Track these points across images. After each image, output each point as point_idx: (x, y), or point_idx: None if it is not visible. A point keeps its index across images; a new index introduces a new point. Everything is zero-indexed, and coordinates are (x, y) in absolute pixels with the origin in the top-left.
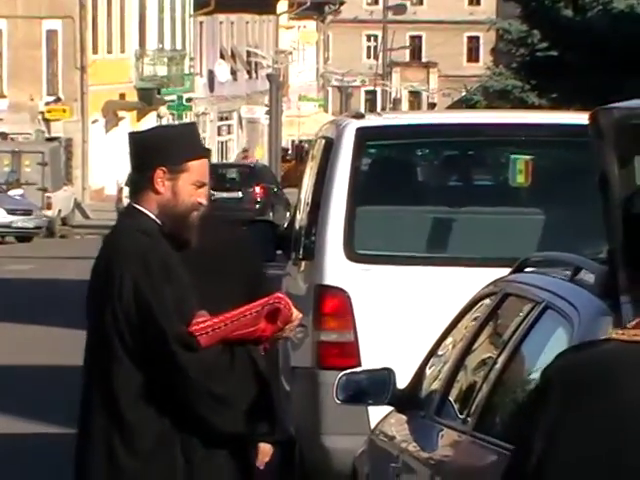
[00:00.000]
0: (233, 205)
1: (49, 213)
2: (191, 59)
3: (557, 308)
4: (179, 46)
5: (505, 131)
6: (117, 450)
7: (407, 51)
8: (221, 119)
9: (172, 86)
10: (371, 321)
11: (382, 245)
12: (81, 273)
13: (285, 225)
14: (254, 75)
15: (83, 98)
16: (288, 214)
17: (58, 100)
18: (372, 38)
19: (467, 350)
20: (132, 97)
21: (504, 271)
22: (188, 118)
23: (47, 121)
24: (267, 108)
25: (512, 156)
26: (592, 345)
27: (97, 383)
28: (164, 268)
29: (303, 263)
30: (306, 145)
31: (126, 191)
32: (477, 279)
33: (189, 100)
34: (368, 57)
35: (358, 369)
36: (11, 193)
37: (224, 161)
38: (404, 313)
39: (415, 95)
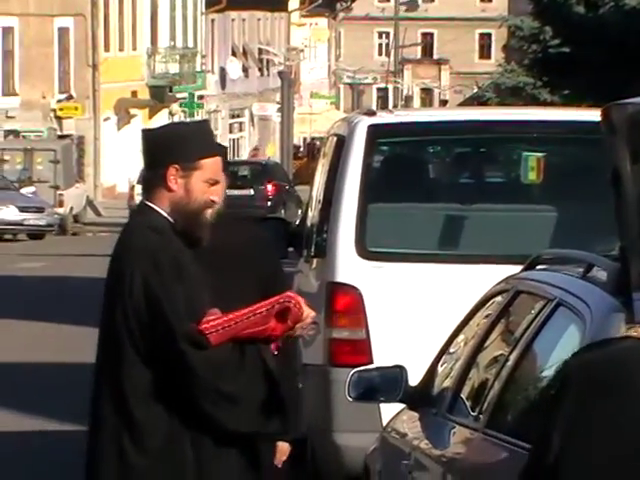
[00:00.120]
0: (245, 202)
1: (61, 211)
2: (203, 56)
3: (569, 305)
4: (191, 44)
5: (517, 128)
6: (127, 448)
7: (419, 48)
8: (233, 116)
9: (184, 83)
10: (383, 318)
11: (394, 242)
12: (93, 271)
13: (297, 222)
14: (266, 72)
15: (95, 96)
16: (300, 211)
17: (70, 98)
18: (384, 35)
19: (479, 347)
20: (144, 95)
21: (516, 268)
22: (200, 115)
23: (59, 119)
24: (279, 105)
25: (524, 153)
26: (609, 343)
27: (107, 381)
28: (175, 266)
29: (315, 260)
30: (318, 142)
31: (138, 189)
32: (489, 276)
33: (201, 97)
34: (380, 54)
35: (370, 366)
36: (23, 191)
37: (236, 159)
38: (416, 310)
39: (427, 92)
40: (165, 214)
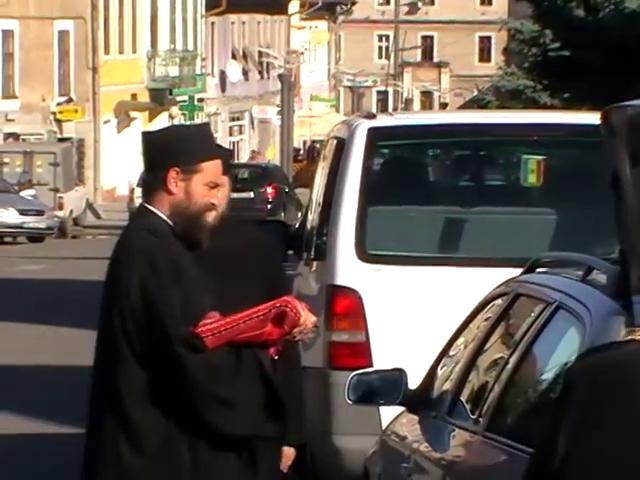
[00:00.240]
0: (245, 205)
1: (61, 213)
2: (203, 59)
3: (569, 308)
4: (191, 46)
5: (517, 131)
6: (123, 450)
7: (419, 51)
8: (233, 119)
9: (184, 86)
10: (383, 321)
11: (393, 245)
12: (93, 273)
13: (297, 225)
14: (266, 75)
15: (95, 98)
16: (300, 214)
17: (70, 100)
18: (384, 38)
19: (479, 350)
20: (144, 97)
21: (516, 271)
22: (200, 118)
23: (59, 121)
24: (279, 108)
25: (524, 156)
26: (614, 347)
27: (104, 383)
28: (173, 269)
29: (315, 263)
30: (318, 145)
31: (138, 191)
32: (489, 279)
33: (201, 100)
34: (380, 57)
35: (369, 369)
36: (23, 194)
37: (236, 161)
38: (415, 313)
39: (427, 95)
40: (165, 217)
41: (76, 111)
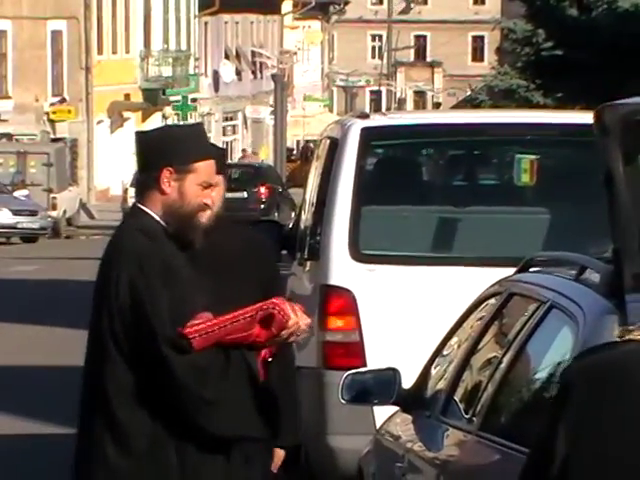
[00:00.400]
0: (238, 205)
1: (54, 214)
2: (196, 59)
3: (562, 307)
4: (184, 46)
5: (510, 130)
6: (110, 451)
7: (412, 51)
8: (226, 119)
9: (177, 86)
10: (376, 321)
11: (387, 245)
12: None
13: (290, 225)
14: (259, 75)
15: (88, 99)
16: (293, 214)
17: (63, 101)
18: (377, 38)
19: (472, 350)
20: (137, 98)
21: (509, 271)
22: (193, 118)
23: (52, 122)
24: (272, 108)
25: (517, 155)
26: (612, 347)
27: (93, 383)
28: (163, 269)
29: (308, 263)
30: (312, 145)
31: (132, 191)
32: (482, 279)
33: (194, 100)
34: (373, 57)
35: (363, 369)
36: (16, 194)
37: (229, 161)
38: (409, 313)
39: (420, 95)
40: (157, 217)
41: (69, 111)
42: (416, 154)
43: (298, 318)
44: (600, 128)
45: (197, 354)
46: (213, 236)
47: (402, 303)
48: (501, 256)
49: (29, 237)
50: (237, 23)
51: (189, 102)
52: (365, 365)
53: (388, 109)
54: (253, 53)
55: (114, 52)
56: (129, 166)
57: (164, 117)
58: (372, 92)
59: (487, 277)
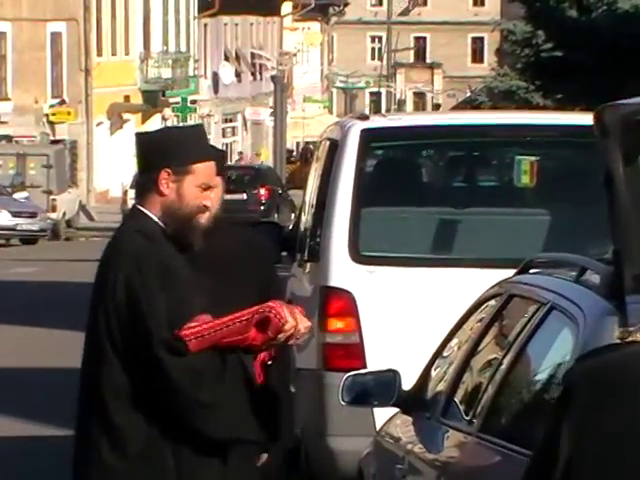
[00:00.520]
0: (238, 207)
1: (54, 216)
2: (195, 61)
3: (562, 309)
4: (183, 48)
5: (510, 132)
6: (105, 453)
7: (411, 52)
8: (225, 121)
9: (176, 88)
10: (376, 323)
11: (387, 247)
12: (86, 276)
13: (290, 227)
14: (258, 77)
15: (88, 100)
16: (293, 216)
17: (63, 102)
18: (376, 39)
19: (472, 351)
20: (137, 99)
21: (509, 272)
22: (193, 120)
23: (52, 123)
24: (272, 110)
25: (517, 157)
26: (615, 349)
27: (89, 385)
28: (161, 271)
29: (308, 265)
30: (311, 146)
31: (131, 193)
32: (482, 280)
33: (194, 102)
34: (372, 58)
35: (363, 371)
36: (16, 196)
37: (229, 163)
38: (409, 314)
39: (420, 96)
40: (156, 218)
41: (69, 113)
42: (416, 155)
43: (297, 321)
44: (600, 129)
45: (193, 357)
46: (212, 238)
47: (402, 305)
48: (501, 257)
49: (28, 239)
50: (237, 25)
51: (189, 104)
52: (365, 367)
53: (388, 110)
54: (253, 55)
55: (114, 54)
56: (129, 168)
57: (164, 119)
58: (372, 94)
59: (487, 279)
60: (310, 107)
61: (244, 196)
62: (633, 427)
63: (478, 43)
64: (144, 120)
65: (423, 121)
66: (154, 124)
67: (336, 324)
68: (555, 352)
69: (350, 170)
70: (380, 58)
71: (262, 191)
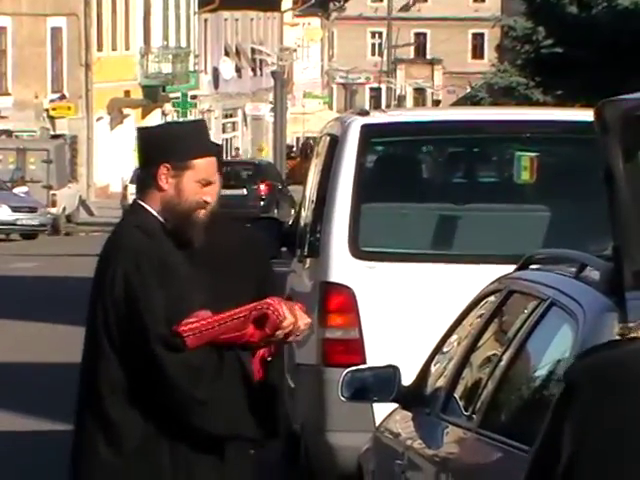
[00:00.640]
0: (238, 202)
1: (54, 210)
2: (196, 56)
3: (562, 305)
4: (184, 43)
5: (510, 128)
6: (102, 449)
7: (412, 48)
8: (226, 116)
9: (177, 83)
10: (376, 318)
11: (387, 242)
12: (86, 270)
13: (290, 222)
14: (259, 72)
15: (88, 95)
16: (293, 211)
17: (63, 97)
18: (377, 35)
19: (472, 347)
20: (137, 94)
21: (509, 268)
22: (193, 115)
23: (52, 118)
24: (272, 105)
25: (517, 153)
26: (616, 345)
27: (87, 380)
28: (159, 267)
29: (308, 260)
30: (312, 142)
31: (131, 188)
32: (482, 276)
33: (194, 97)
34: (373, 54)
35: (363, 366)
36: (16, 191)
37: (228, 159)
38: (409, 310)
39: (420, 92)
40: (156, 214)
41: (69, 108)
42: (416, 151)
43: (297, 318)
44: (600, 124)
45: (190, 353)
46: (209, 233)
47: (402, 300)
48: (501, 253)
49: (28, 234)
50: (237, 20)
51: (189, 99)
52: (365, 362)
53: (388, 106)
54: (253, 50)
55: (114, 49)
56: (129, 163)
57: (164, 114)
58: (372, 89)
59: (487, 274)
60: (310, 103)
61: (244, 191)
62: (634, 424)
63: (478, 39)
64: (144, 115)
65: (423, 117)
66: (154, 119)
67: (336, 319)
68: (555, 348)
69: (350, 166)
70: (380, 54)
71: (262, 186)
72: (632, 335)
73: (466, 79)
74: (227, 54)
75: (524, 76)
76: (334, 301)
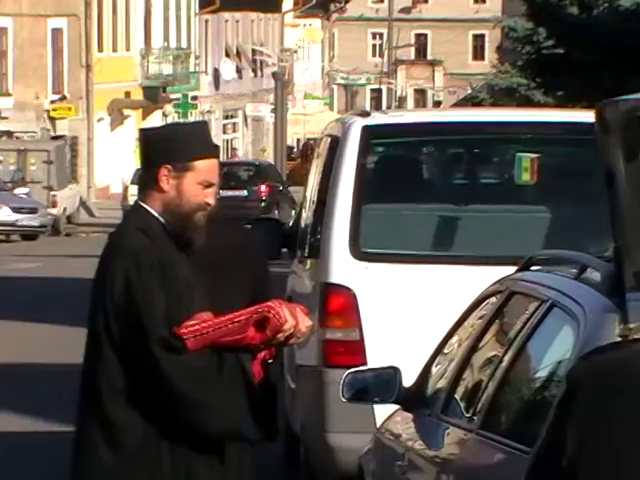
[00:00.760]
0: (238, 203)
1: (54, 211)
2: (196, 57)
3: (563, 306)
4: (184, 44)
5: (511, 129)
6: (101, 450)
7: (412, 49)
8: (226, 117)
9: (177, 84)
10: (377, 319)
11: (387, 243)
12: (86, 271)
13: (291, 223)
14: (259, 73)
15: (88, 96)
16: (293, 212)
17: (63, 98)
18: (377, 36)
19: (473, 348)
20: (137, 95)
21: (510, 269)
22: (193, 116)
23: (52, 119)
24: (272, 106)
25: (518, 154)
26: (618, 347)
27: (88, 381)
28: (159, 268)
29: (309, 261)
30: (312, 142)
31: (132, 189)
32: (483, 277)
33: (194, 98)
34: (373, 55)
35: (364, 367)
36: (17, 191)
37: (226, 159)
38: (410, 311)
39: (420, 93)
40: (157, 215)
41: (70, 109)
42: (417, 152)
43: (298, 320)
44: (601, 125)
45: (190, 355)
46: (207, 235)
47: (403, 301)
48: (502, 255)
49: (29, 235)
50: (237, 21)
51: (189, 100)
52: (365, 363)
53: (388, 107)
54: (254, 51)
55: (114, 50)
56: (129, 164)
57: (164, 115)
58: (372, 90)
59: (488, 276)
60: (311, 104)
61: (245, 192)
62: (636, 425)
63: (479, 40)
64: (145, 116)
65: (424, 118)
66: (155, 120)
67: (336, 321)
68: (556, 349)
69: (351, 167)
70: (381, 55)
71: (262, 187)
72: (634, 337)
73: (467, 80)
74: (228, 55)
75: (525, 77)
76: (335, 302)
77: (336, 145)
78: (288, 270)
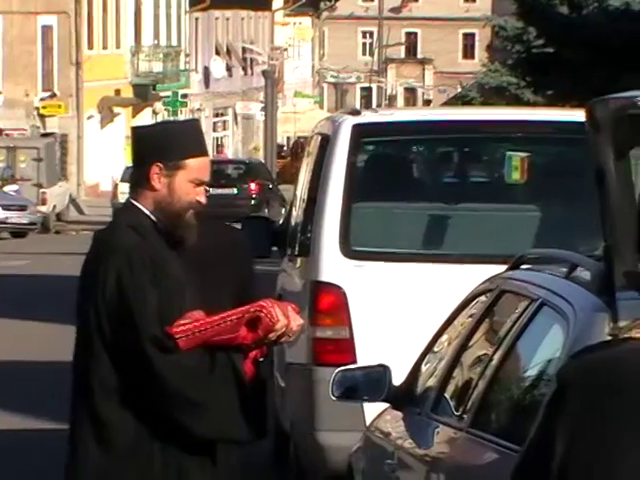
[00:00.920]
0: (228, 201)
1: (44, 209)
2: (186, 55)
3: (553, 305)
4: (174, 42)
5: (501, 128)
6: (92, 449)
7: (402, 48)
8: (216, 115)
9: (167, 82)
10: (367, 318)
11: (378, 242)
12: (76, 269)
13: (281, 221)
14: (249, 71)
15: (78, 94)
16: (283, 210)
17: (53, 96)
18: (367, 34)
19: (463, 347)
20: (127, 93)
21: (500, 268)
22: (183, 114)
23: (42, 117)
24: (262, 104)
25: (508, 153)
26: (608, 346)
27: (79, 380)
28: (151, 266)
29: (299, 259)
30: (302, 140)
31: (122, 187)
32: (473, 276)
33: (184, 96)
34: (364, 54)
35: (354, 366)
36: (6, 189)
37: (216, 157)
38: (400, 310)
39: (410, 92)
40: (148, 213)
41: (59, 106)
42: (407, 151)
43: (289, 319)
44: (591, 123)
45: (183, 354)
46: (199, 234)
47: (393, 300)
48: (492, 253)
49: (18, 232)
50: (228, 19)
51: (179, 98)
52: (355, 362)
53: (379, 106)
54: (244, 49)
55: (104, 47)
56: (119, 161)
57: (154, 113)
58: (362, 89)
59: (478, 274)
60: (301, 102)
61: (234, 190)
62: (626, 424)
63: (469, 39)
64: (135, 114)
65: (414, 116)
66: (145, 118)
67: (326, 319)
68: (546, 348)
69: (341, 165)
70: (371, 53)
71: (252, 186)
72: (625, 335)
73: (457, 79)
74: (218, 53)
75: (515, 76)
76: (324, 300)
77: (326, 143)
78: (278, 268)
